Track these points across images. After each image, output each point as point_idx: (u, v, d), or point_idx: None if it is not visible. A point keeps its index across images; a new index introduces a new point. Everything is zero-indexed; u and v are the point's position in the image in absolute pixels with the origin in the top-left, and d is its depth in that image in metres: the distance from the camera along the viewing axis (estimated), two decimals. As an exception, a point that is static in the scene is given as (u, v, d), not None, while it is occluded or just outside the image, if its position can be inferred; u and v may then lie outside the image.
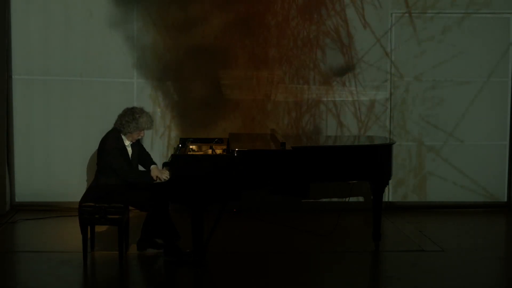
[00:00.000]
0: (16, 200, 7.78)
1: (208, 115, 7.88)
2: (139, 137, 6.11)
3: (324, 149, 6.36)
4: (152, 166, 6.07)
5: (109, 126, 6.14)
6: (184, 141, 6.67)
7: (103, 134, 6.09)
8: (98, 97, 7.77)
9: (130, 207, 6.18)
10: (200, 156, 6.27)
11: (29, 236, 6.88)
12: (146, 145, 6.50)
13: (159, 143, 7.83)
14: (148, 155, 6.30)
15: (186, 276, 5.80)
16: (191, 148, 6.60)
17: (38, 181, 7.77)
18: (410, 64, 7.99)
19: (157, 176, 5.84)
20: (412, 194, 8.09)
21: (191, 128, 7.84)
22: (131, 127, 5.98)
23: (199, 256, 5.86)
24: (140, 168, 6.26)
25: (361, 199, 7.96)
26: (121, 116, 6.03)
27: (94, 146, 6.71)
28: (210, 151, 6.51)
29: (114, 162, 5.90)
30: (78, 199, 6.08)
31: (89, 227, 6.01)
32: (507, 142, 8.10)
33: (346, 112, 7.96)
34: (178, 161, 5.88)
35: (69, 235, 6.77)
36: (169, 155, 7.07)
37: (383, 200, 6.58)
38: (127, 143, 6.06)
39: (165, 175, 5.84)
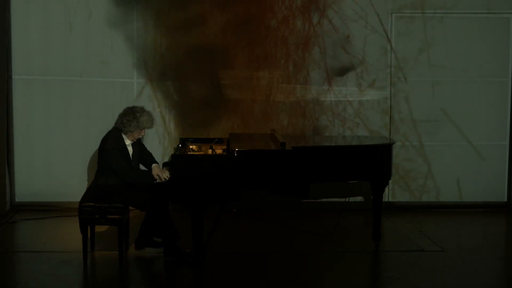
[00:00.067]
0: (16, 200, 7.78)
1: (208, 115, 7.87)
2: (140, 136, 6.11)
3: (324, 149, 6.35)
4: (154, 165, 6.07)
5: (109, 126, 6.14)
6: (184, 141, 6.67)
7: (103, 134, 6.09)
8: (98, 97, 7.77)
9: (130, 207, 6.18)
10: (200, 156, 6.27)
11: (29, 236, 6.88)
12: (146, 144, 6.49)
13: (159, 143, 7.83)
14: (150, 154, 6.29)
15: (186, 276, 5.80)
16: (191, 148, 6.60)
17: (38, 181, 7.76)
18: (410, 64, 7.98)
19: (157, 175, 5.85)
20: (411, 194, 8.09)
21: (191, 128, 7.84)
22: (132, 126, 5.98)
23: (199, 256, 5.85)
24: (141, 167, 6.26)
25: (361, 199, 7.95)
26: (122, 115, 6.03)
27: (94, 146, 6.71)
28: (210, 151, 6.50)
29: (114, 162, 5.90)
30: (78, 199, 6.08)
31: (89, 227, 6.01)
32: (507, 142, 8.10)
33: (346, 112, 7.96)
34: (178, 161, 5.88)
35: (69, 235, 6.77)
36: (169, 155, 7.06)
37: (383, 200, 6.58)
38: (127, 142, 6.06)
39: (165, 175, 5.84)
